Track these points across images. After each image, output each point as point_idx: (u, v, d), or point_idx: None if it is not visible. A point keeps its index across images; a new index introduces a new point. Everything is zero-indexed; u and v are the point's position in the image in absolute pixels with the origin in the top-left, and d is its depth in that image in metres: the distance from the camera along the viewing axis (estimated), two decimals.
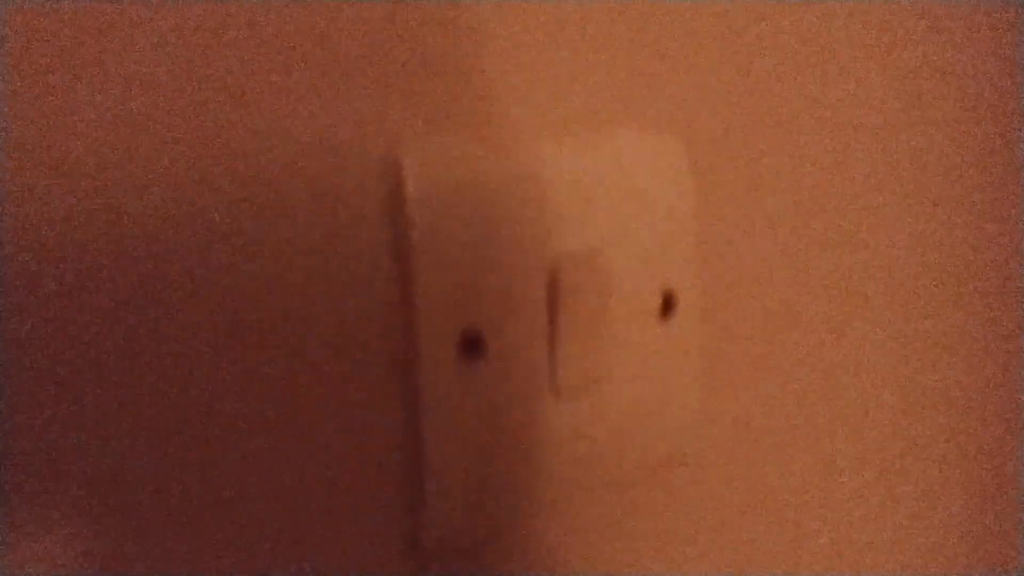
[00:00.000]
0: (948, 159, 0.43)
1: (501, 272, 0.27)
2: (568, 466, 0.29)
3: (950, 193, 0.43)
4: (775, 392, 0.37)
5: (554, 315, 0.28)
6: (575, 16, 0.29)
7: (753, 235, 0.35)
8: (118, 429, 0.22)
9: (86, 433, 0.21)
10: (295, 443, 0.25)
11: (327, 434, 0.25)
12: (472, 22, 0.26)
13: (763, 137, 0.35)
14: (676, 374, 0.32)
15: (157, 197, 0.22)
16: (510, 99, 0.28)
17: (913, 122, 0.41)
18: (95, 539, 0.22)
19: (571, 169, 0.28)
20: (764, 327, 0.36)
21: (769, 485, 0.37)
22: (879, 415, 0.42)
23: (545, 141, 0.28)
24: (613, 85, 0.30)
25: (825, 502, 0.40)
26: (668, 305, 0.32)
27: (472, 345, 0.26)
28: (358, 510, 0.26)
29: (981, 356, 0.46)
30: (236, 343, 0.23)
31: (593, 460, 0.30)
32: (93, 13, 0.21)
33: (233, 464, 0.24)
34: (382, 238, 0.25)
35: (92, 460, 0.22)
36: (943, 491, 0.46)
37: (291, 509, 0.25)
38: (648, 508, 0.34)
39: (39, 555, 0.21)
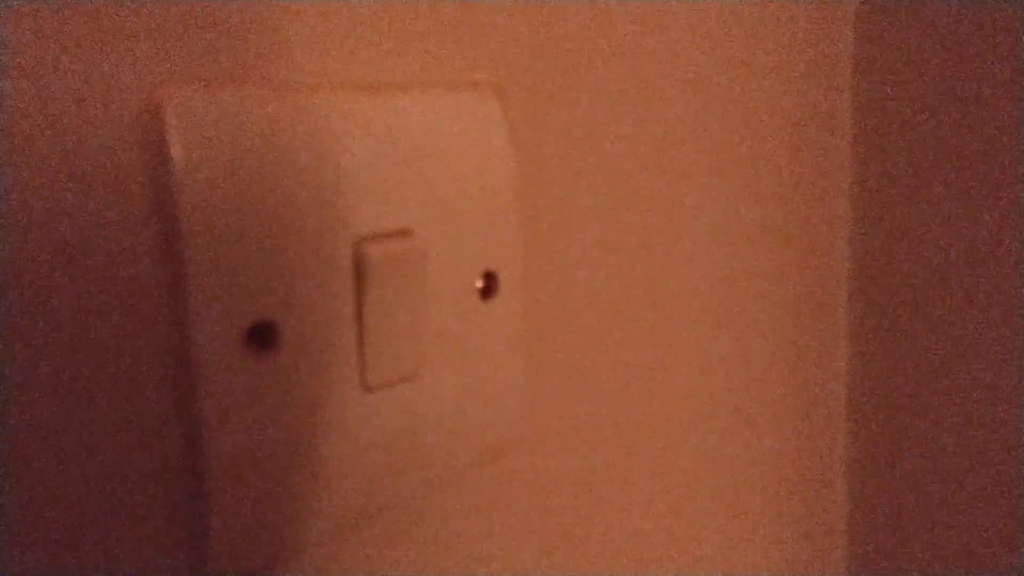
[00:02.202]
0: (781, 137, 0.43)
1: (294, 253, 0.23)
2: (382, 469, 0.26)
3: (780, 177, 0.43)
4: (604, 377, 0.36)
5: (360, 301, 0.25)
6: None
7: (579, 212, 0.33)
8: None
9: None
10: (48, 452, 0.20)
11: (86, 443, 0.21)
12: None
13: (590, 107, 0.33)
14: (500, 359, 0.30)
15: None
16: (302, 44, 0.24)
17: (750, 99, 0.40)
18: None
19: (376, 134, 0.25)
20: (591, 309, 0.35)
21: (600, 475, 0.36)
22: (709, 394, 0.41)
23: (344, 97, 0.24)
24: (423, 35, 0.27)
25: (657, 488, 0.39)
26: (489, 286, 0.30)
27: (262, 337, 0.23)
28: (131, 533, 0.22)
29: (809, 336, 0.48)
30: None
31: (410, 460, 0.27)
32: None
33: None
34: (146, 208, 0.21)
35: None
36: (772, 481, 0.46)
37: (53, 528, 0.20)
38: (472, 508, 0.31)
39: None
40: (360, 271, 0.24)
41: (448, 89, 0.28)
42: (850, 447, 0.53)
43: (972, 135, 0.45)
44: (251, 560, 0.23)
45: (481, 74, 0.29)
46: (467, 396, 0.29)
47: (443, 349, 0.28)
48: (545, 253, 0.33)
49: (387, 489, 0.27)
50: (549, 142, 0.32)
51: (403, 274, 0.26)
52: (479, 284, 0.29)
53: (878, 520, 0.52)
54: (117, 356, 0.21)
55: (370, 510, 0.26)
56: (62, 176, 0.20)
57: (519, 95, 0.31)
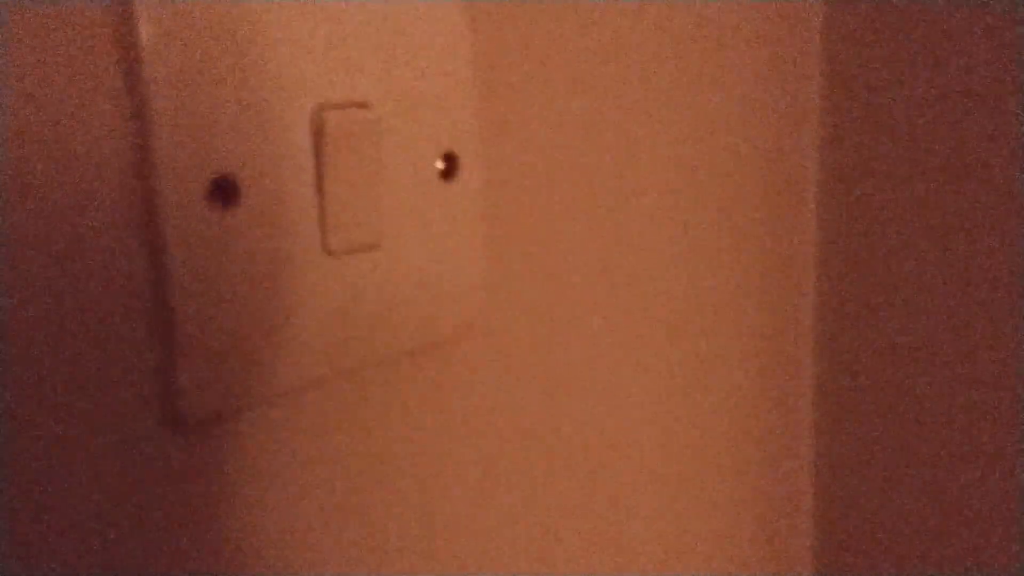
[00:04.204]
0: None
1: (255, 112, 0.24)
2: (339, 334, 0.28)
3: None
4: (565, 267, 0.37)
5: (320, 166, 0.26)
6: None
7: (541, 100, 0.35)
8: None
9: None
10: (23, 302, 0.22)
11: (58, 292, 0.22)
12: None
13: None
14: (460, 239, 0.31)
15: None
16: None
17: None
18: None
19: (335, 12, 0.26)
20: (552, 197, 0.36)
21: (558, 370, 0.38)
22: (666, 281, 0.43)
23: None
24: None
25: (614, 369, 0.41)
26: (450, 167, 0.31)
27: (224, 193, 0.24)
28: (105, 376, 0.23)
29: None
30: None
31: (368, 328, 0.29)
32: None
33: None
34: (111, 60, 0.22)
35: None
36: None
37: (25, 372, 0.22)
38: (429, 388, 0.33)
39: None
40: (318, 137, 0.26)
41: None
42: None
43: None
44: (218, 400, 0.25)
45: None
46: (427, 273, 0.30)
47: (404, 224, 0.29)
48: (506, 138, 0.34)
49: (347, 354, 0.28)
50: (510, 26, 0.33)
51: (361, 143, 0.27)
52: (440, 165, 0.30)
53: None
54: (86, 211, 0.22)
55: (330, 373, 0.28)
56: (35, 47, 0.21)
57: None
